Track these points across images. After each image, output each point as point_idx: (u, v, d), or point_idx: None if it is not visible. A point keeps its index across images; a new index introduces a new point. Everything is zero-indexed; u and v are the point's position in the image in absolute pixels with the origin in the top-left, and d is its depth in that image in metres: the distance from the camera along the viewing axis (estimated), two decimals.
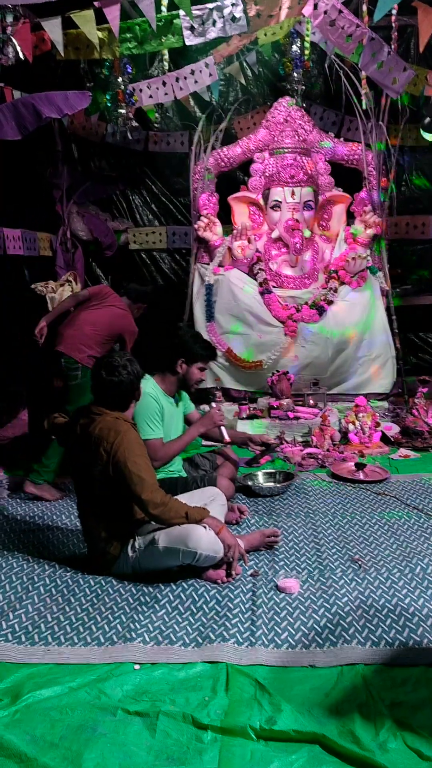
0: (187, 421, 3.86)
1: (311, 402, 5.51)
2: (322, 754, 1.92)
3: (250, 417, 5.36)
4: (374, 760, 1.86)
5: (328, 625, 2.58)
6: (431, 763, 1.86)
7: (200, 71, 5.54)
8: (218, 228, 6.09)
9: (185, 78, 5.62)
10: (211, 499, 3.32)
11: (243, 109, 7.06)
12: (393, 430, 5.21)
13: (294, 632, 2.54)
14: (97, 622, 2.63)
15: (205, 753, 1.91)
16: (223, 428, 3.75)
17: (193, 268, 6.15)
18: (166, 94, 5.66)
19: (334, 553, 3.23)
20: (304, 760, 1.89)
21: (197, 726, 2.02)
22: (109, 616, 2.68)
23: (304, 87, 6.05)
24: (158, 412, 3.50)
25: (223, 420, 3.75)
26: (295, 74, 5.94)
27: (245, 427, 5.22)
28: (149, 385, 3.53)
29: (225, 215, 6.23)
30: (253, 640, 2.47)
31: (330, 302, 5.76)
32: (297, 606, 2.73)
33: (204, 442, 4.18)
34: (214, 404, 3.79)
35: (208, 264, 6.06)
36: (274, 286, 5.92)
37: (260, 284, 5.87)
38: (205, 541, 2.87)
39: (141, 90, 5.65)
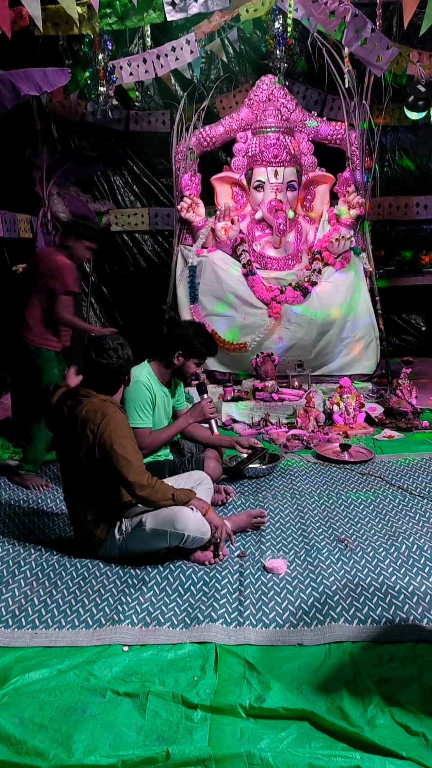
0: (176, 416, 3.82)
1: (296, 383, 5.51)
2: (312, 731, 1.94)
3: (235, 399, 5.35)
4: (363, 736, 1.88)
5: (316, 604, 2.59)
6: (419, 737, 1.88)
7: (181, 48, 5.46)
8: (201, 209, 6.03)
9: (166, 55, 5.54)
10: (198, 483, 3.32)
11: (225, 88, 6.99)
12: (377, 411, 5.24)
13: (282, 612, 2.55)
14: (85, 604, 2.63)
15: (195, 732, 1.92)
16: (213, 422, 3.72)
17: (176, 250, 6.09)
18: (146, 71, 5.58)
19: (321, 534, 3.25)
20: (294, 737, 1.90)
21: (187, 705, 2.03)
22: (97, 598, 2.67)
23: (286, 65, 5.98)
24: (149, 401, 3.47)
25: (214, 413, 3.71)
26: (277, 52, 5.86)
27: (230, 408, 5.22)
28: (144, 373, 3.50)
29: (208, 196, 6.18)
30: (242, 620, 2.48)
31: (314, 283, 5.74)
32: (284, 586, 2.74)
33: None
34: (205, 396, 3.76)
35: (192, 245, 6.01)
36: (257, 268, 5.90)
37: (244, 266, 5.83)
38: (192, 522, 2.86)
39: (121, 67, 5.56)
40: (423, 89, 5.95)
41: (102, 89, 5.64)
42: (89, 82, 5.69)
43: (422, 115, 6.14)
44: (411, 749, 1.84)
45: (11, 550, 3.13)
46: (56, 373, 4.09)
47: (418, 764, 1.79)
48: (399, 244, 7.58)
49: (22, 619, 2.54)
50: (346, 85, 5.61)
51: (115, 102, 5.84)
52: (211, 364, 5.84)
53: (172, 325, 3.81)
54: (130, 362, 3.04)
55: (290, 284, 5.77)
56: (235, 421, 5.16)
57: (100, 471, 2.88)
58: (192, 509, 2.91)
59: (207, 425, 3.76)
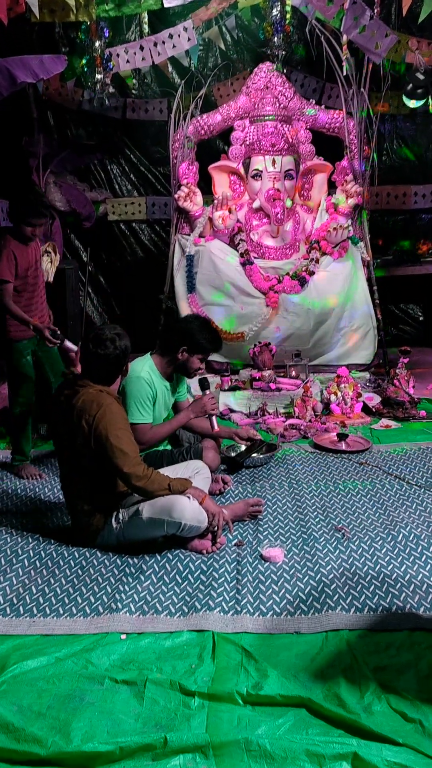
0: (177, 409, 3.81)
1: (293, 373, 5.50)
2: (309, 718, 1.95)
3: (232, 389, 5.35)
4: (360, 723, 1.89)
5: (313, 592, 2.60)
6: (416, 724, 1.89)
7: (178, 35, 5.44)
8: (198, 198, 6.00)
9: (163, 42, 5.51)
10: (196, 472, 3.33)
11: (222, 76, 6.94)
12: (374, 400, 5.24)
13: (279, 600, 2.56)
14: (83, 593, 2.63)
15: (192, 719, 1.93)
16: (214, 418, 3.69)
17: (174, 239, 6.07)
18: (143, 59, 5.55)
19: (318, 522, 3.26)
20: (291, 724, 1.91)
21: (184, 693, 2.04)
22: (95, 587, 2.68)
23: (284, 52, 5.94)
24: (150, 397, 3.45)
25: (215, 409, 3.69)
26: (275, 39, 5.82)
27: (227, 398, 5.22)
28: (145, 368, 3.47)
29: (206, 185, 6.15)
30: (239, 609, 2.49)
31: (311, 273, 5.73)
32: (282, 574, 2.75)
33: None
34: (208, 392, 3.75)
35: (189, 235, 5.98)
36: (255, 257, 5.88)
37: (241, 255, 5.82)
38: (189, 511, 2.87)
39: (118, 55, 5.53)
40: (422, 77, 5.92)
41: (99, 77, 5.61)
42: (86, 69, 5.66)
43: (421, 103, 6.12)
44: (407, 736, 1.85)
45: (9, 539, 3.14)
46: (24, 363, 3.97)
47: (415, 750, 1.80)
48: (397, 234, 7.56)
49: (20, 608, 2.54)
50: (345, 73, 5.58)
51: (111, 90, 5.81)
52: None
53: (175, 319, 3.78)
54: (128, 353, 3.02)
55: (288, 274, 5.76)
56: (232, 410, 5.16)
57: (96, 461, 2.88)
58: (189, 498, 2.92)
59: (208, 421, 3.73)
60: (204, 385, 3.81)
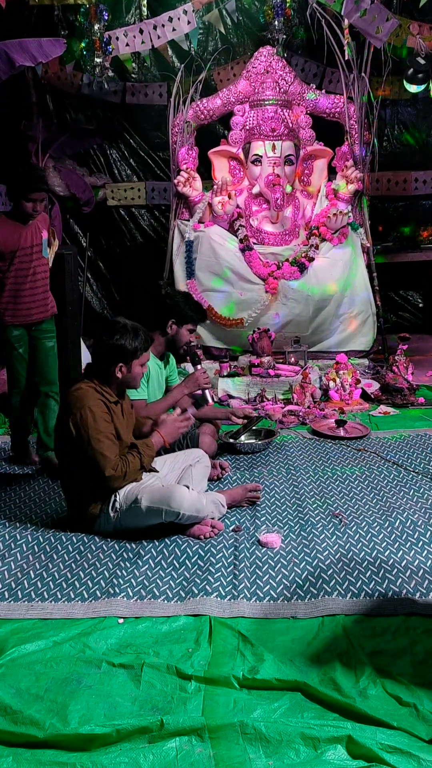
0: (169, 392, 3.84)
1: (292, 359, 5.50)
2: (304, 701, 1.96)
3: (231, 375, 5.35)
4: (355, 706, 1.90)
5: (310, 577, 2.61)
6: (410, 708, 1.91)
7: (178, 18, 5.39)
8: (198, 183, 5.97)
9: (163, 26, 5.46)
10: (197, 461, 3.36)
11: (223, 60, 6.88)
12: (373, 387, 5.24)
13: (276, 585, 2.57)
14: (80, 578, 2.65)
15: (189, 702, 1.95)
16: (207, 391, 3.76)
17: (173, 225, 6.04)
18: (143, 42, 5.50)
19: (315, 508, 3.27)
20: (287, 707, 1.93)
21: (181, 676, 2.05)
22: (92, 572, 2.69)
23: (285, 36, 5.89)
24: (144, 374, 3.48)
25: (209, 382, 3.76)
26: (275, 23, 5.77)
27: (226, 384, 5.22)
28: None
29: (205, 170, 6.12)
30: (236, 594, 2.51)
31: (311, 259, 5.71)
32: (279, 560, 2.76)
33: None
34: (199, 366, 3.78)
35: (188, 220, 5.96)
36: (254, 243, 5.86)
37: (241, 241, 5.80)
38: (187, 501, 2.89)
39: (117, 38, 5.48)
40: (423, 62, 5.88)
41: (98, 60, 5.56)
42: (85, 53, 5.61)
43: (422, 88, 6.08)
44: (402, 719, 1.86)
45: (7, 524, 3.15)
46: (16, 355, 3.78)
47: (409, 734, 1.82)
48: (397, 220, 7.53)
49: (18, 592, 2.56)
50: (346, 58, 5.53)
51: (111, 73, 5.76)
52: (208, 339, 5.83)
53: (160, 296, 3.84)
54: (126, 353, 2.96)
55: (287, 260, 5.74)
56: (231, 396, 5.16)
57: (86, 453, 2.92)
58: (188, 488, 2.96)
59: (202, 396, 3.79)
60: (195, 360, 3.85)
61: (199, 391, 3.76)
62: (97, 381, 2.98)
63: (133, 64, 6.72)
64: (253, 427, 4.10)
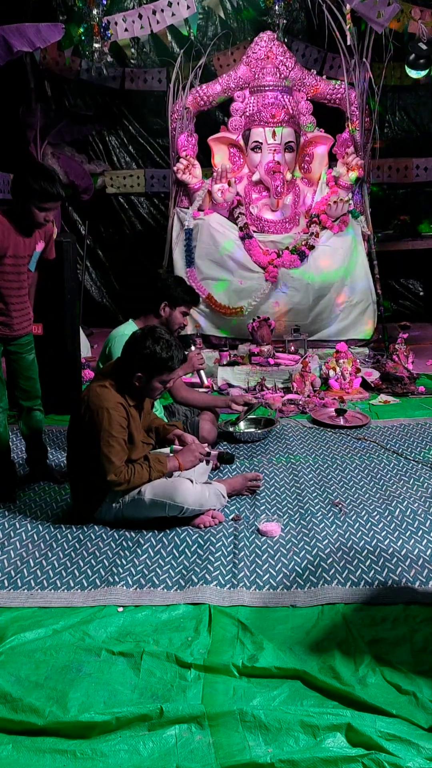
0: None
1: (292, 348, 5.49)
2: (303, 689, 1.97)
3: (231, 363, 5.34)
4: (354, 694, 1.90)
5: (309, 566, 2.61)
6: (409, 696, 1.91)
7: (178, 3, 5.35)
8: (198, 170, 5.93)
9: (162, 11, 5.43)
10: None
11: (222, 45, 6.84)
12: (373, 376, 5.23)
13: (275, 574, 2.57)
14: (80, 566, 2.65)
15: (188, 690, 1.95)
16: (202, 372, 3.82)
17: (172, 213, 6.01)
18: (142, 27, 5.47)
19: (315, 497, 3.26)
20: (286, 695, 1.93)
21: (180, 665, 2.05)
22: (92, 561, 2.69)
23: (285, 21, 5.84)
24: None
25: (203, 364, 3.79)
26: (276, 7, 5.72)
27: (226, 373, 5.21)
28: (129, 329, 3.49)
29: (205, 157, 6.08)
30: (235, 582, 2.50)
31: (311, 247, 5.68)
32: (278, 549, 2.76)
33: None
34: (193, 348, 3.80)
35: (188, 208, 5.93)
36: (254, 231, 5.83)
37: (241, 229, 5.77)
38: (191, 495, 2.89)
39: (116, 23, 5.44)
40: (424, 47, 5.83)
41: (96, 46, 5.52)
42: (83, 38, 5.57)
43: (423, 73, 6.04)
44: (401, 707, 1.87)
45: (7, 513, 3.15)
46: None
47: (408, 722, 1.82)
48: (398, 208, 7.49)
49: (18, 581, 2.56)
50: (348, 43, 5.48)
51: (110, 59, 5.72)
52: (207, 328, 5.82)
53: (153, 279, 3.83)
54: (152, 363, 2.85)
55: (287, 248, 5.72)
56: (230, 385, 5.15)
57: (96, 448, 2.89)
58: (192, 482, 2.95)
59: (197, 378, 3.84)
60: (187, 342, 3.86)
61: (194, 374, 3.78)
62: (119, 382, 2.92)
63: (132, 50, 6.67)
64: (252, 413, 4.10)
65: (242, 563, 2.64)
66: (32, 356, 3.45)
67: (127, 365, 2.92)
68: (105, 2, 5.44)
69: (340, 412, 4.44)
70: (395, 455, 3.82)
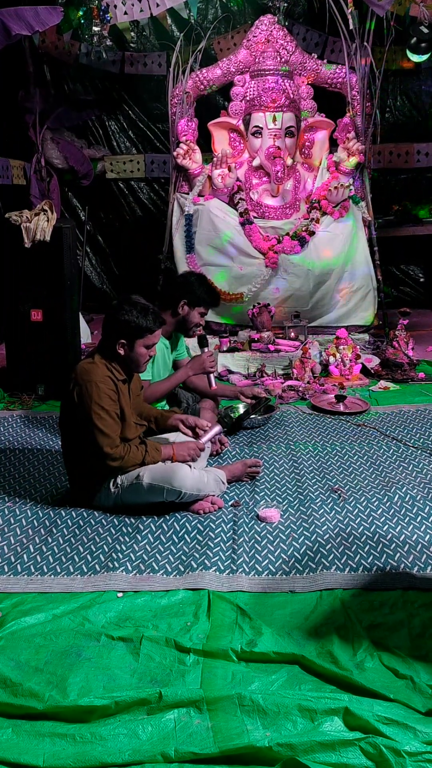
0: (176, 366, 3.82)
1: (292, 334, 5.48)
2: (302, 674, 1.98)
3: (231, 350, 5.33)
4: (352, 679, 1.92)
5: (308, 552, 2.62)
6: (407, 680, 1.93)
7: None
8: (198, 155, 5.89)
9: None
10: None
11: (223, 29, 6.77)
12: (373, 362, 5.22)
13: (274, 560, 2.58)
14: (80, 552, 2.66)
15: (187, 674, 1.96)
16: (211, 375, 3.69)
17: (172, 198, 5.98)
18: (141, 10, 5.42)
19: (314, 483, 3.27)
20: (284, 680, 1.94)
21: (180, 650, 2.07)
22: (92, 546, 2.70)
23: (286, 4, 5.79)
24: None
25: (214, 367, 3.70)
26: None
27: (226, 359, 5.20)
28: None
29: (205, 143, 6.04)
30: (235, 568, 2.51)
31: (312, 233, 5.66)
32: (277, 534, 2.77)
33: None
34: (206, 349, 3.74)
35: (188, 193, 5.90)
36: (255, 217, 5.80)
37: (241, 214, 5.74)
38: (189, 480, 2.89)
39: (116, 6, 5.39)
40: (426, 30, 5.77)
41: (96, 29, 5.48)
42: (83, 21, 5.52)
43: (425, 57, 5.99)
44: (398, 692, 1.88)
45: (6, 499, 3.16)
46: None
47: (405, 706, 1.83)
48: (399, 193, 7.45)
49: (18, 566, 2.57)
50: (350, 27, 5.42)
51: (109, 43, 5.67)
52: (208, 315, 5.79)
53: (173, 275, 3.78)
54: (131, 330, 2.86)
55: (288, 233, 5.69)
56: (230, 371, 5.15)
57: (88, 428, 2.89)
58: (190, 466, 2.95)
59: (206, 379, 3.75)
60: (203, 342, 3.81)
61: (203, 376, 3.70)
62: (105, 357, 2.93)
63: (132, 33, 6.62)
64: (260, 409, 4.06)
65: (241, 549, 2.65)
66: None
67: (109, 336, 2.92)
68: None
69: (340, 398, 4.44)
70: (395, 441, 3.82)
